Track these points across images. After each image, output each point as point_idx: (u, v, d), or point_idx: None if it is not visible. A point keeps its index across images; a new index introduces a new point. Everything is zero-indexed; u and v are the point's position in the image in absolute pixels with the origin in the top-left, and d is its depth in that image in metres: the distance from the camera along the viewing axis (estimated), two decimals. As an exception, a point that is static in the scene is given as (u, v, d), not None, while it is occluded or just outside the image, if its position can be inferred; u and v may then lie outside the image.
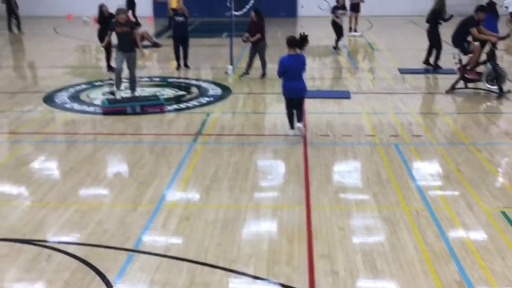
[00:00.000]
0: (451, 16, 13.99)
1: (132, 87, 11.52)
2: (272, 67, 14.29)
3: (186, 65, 14.63)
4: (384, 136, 9.21)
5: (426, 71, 13.92)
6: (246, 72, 13.35)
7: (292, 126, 9.08)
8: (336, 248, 5.68)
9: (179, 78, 13.76)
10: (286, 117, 9.17)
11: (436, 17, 13.78)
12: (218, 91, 12.31)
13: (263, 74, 13.32)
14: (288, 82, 8.85)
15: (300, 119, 8.95)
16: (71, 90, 12.47)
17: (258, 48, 13.07)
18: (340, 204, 6.78)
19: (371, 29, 21.74)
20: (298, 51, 8.82)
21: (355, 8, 19.87)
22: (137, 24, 16.22)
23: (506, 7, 19.67)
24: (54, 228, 6.17)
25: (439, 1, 13.95)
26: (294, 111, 8.99)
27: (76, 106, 11.20)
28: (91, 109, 11.00)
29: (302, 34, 8.74)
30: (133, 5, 22.37)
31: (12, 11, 21.38)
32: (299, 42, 8.73)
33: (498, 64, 11.60)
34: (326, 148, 8.68)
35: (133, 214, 6.48)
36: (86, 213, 6.51)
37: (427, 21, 13.96)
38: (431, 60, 14.01)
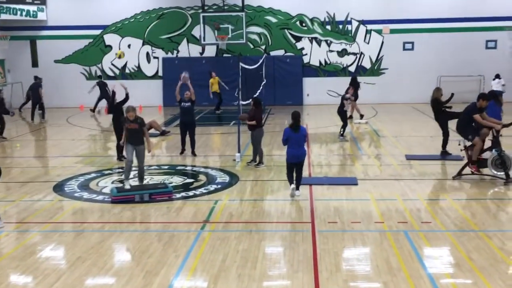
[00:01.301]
0: (452, 95, 14.32)
1: (141, 177, 11.62)
2: (280, 154, 14.52)
3: (193, 153, 14.81)
4: (393, 223, 9.16)
5: (432, 158, 14.01)
6: (261, 161, 13.43)
7: (291, 182, 10.73)
8: None
9: (187, 166, 13.92)
10: (287, 178, 10.77)
11: (436, 105, 14.07)
12: (226, 178, 12.41)
13: (258, 162, 13.32)
14: (290, 149, 10.53)
15: (298, 187, 10.71)
16: (81, 178, 12.61)
17: (252, 136, 13.27)
18: (350, 293, 6.65)
19: (376, 116, 22.12)
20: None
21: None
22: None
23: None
24: (60, 319, 6.06)
25: (434, 92, 14.32)
26: (294, 175, 10.66)
27: (85, 194, 11.29)
28: (100, 197, 11.08)
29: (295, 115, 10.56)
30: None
31: (38, 101, 22.47)
32: (295, 121, 10.52)
33: (503, 151, 11.70)
34: (335, 236, 8.62)
35: (140, 305, 6.37)
36: (92, 304, 6.41)
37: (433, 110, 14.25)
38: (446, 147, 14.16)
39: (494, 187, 11.46)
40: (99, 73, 26.47)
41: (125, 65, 26.77)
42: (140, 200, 10.62)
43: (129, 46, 26.66)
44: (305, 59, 26.26)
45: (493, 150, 11.73)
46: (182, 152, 14.95)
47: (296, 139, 10.49)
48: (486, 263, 7.42)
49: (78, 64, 26.90)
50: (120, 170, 13.21)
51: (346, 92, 17.53)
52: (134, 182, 11.82)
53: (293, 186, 10.71)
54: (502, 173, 11.62)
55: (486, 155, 11.93)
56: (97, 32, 26.72)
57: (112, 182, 12.22)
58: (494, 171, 11.79)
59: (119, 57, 18.05)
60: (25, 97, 24.06)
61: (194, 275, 7.25)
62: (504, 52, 25.34)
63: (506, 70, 25.16)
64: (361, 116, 20.52)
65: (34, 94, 22.50)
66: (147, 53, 26.73)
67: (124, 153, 13.17)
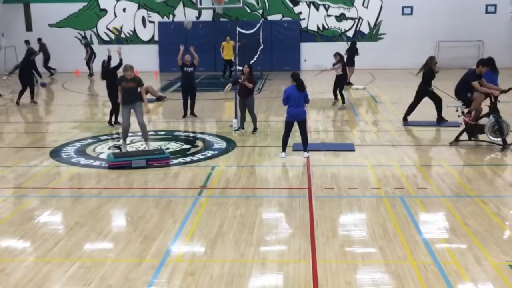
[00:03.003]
0: (436, 71, 14.31)
1: (145, 136, 11.76)
2: (276, 120, 14.48)
3: (192, 114, 15.31)
4: (389, 189, 9.20)
5: (429, 124, 14.00)
6: (241, 127, 13.49)
7: (284, 149, 11.10)
8: (343, 304, 5.59)
9: (185, 131, 13.89)
10: (282, 141, 11.08)
11: (429, 75, 14.01)
12: (223, 144, 12.40)
13: (254, 129, 13.33)
14: (290, 108, 10.81)
15: (306, 148, 11.10)
16: (77, 144, 12.58)
17: (248, 103, 13.21)
18: (346, 258, 6.71)
19: (373, 82, 22.02)
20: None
21: (350, 62, 20.21)
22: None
23: None
24: (58, 284, 6.11)
25: (428, 61, 14.19)
26: (299, 137, 11.14)
27: (82, 160, 11.28)
28: (97, 163, 11.07)
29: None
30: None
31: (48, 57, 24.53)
32: (299, 81, 10.84)
33: (501, 117, 11.68)
34: (332, 201, 8.66)
35: (138, 270, 6.43)
36: (90, 268, 6.47)
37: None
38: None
39: (491, 153, 11.49)
40: (93, 37, 26.20)
41: (120, 29, 26.44)
42: (137, 166, 10.62)
43: (124, 10, 26.29)
44: (303, 24, 25.98)
45: (491, 116, 11.71)
46: (184, 116, 15.20)
47: (297, 98, 10.75)
48: (481, 229, 7.48)
49: (73, 28, 26.54)
50: (117, 136, 13.18)
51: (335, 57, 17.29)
52: (131, 148, 11.81)
53: (283, 154, 11.10)
54: (499, 139, 11.63)
55: (484, 121, 11.91)
56: (92, -5, 26.32)
57: (109, 148, 12.20)
58: (491, 137, 11.80)
59: (114, 33, 17.83)
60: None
61: (191, 240, 7.29)
62: (504, 17, 25.07)
63: (505, 35, 24.98)
64: (349, 84, 20.23)
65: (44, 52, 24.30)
66: (143, 17, 26.36)
67: (119, 119, 13.16)
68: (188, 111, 15.27)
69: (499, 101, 11.83)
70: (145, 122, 12.03)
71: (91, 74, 24.47)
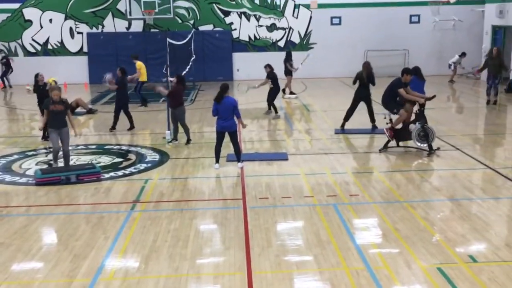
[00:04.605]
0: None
1: (66, 162, 11.15)
2: (210, 131, 14.44)
3: (132, 127, 15.14)
4: (322, 197, 9.34)
5: (360, 131, 14.33)
6: (175, 138, 13.41)
7: (217, 160, 11.14)
8: (279, 314, 5.60)
9: (117, 144, 13.60)
10: (214, 152, 11.09)
11: (363, 80, 14.33)
12: (156, 156, 12.23)
13: (188, 140, 13.27)
14: (219, 119, 10.94)
15: (239, 158, 11.15)
16: (3, 160, 12.06)
17: (176, 114, 13.20)
18: (281, 268, 6.74)
19: (305, 91, 22.37)
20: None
21: (287, 72, 20.51)
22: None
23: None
24: (-18, 309, 5.82)
25: (365, 67, 14.59)
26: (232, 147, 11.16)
27: (7, 177, 10.82)
28: (24, 180, 10.65)
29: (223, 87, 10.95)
30: None
31: None
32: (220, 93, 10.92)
33: (426, 123, 12.12)
34: (266, 211, 8.70)
35: (68, 290, 6.21)
36: (17, 291, 6.19)
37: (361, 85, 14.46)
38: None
39: (418, 159, 11.89)
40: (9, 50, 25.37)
41: (47, 41, 25.67)
42: (67, 182, 10.29)
43: (50, 21, 25.54)
44: (235, 34, 26.10)
45: (417, 123, 12.14)
46: (112, 129, 14.93)
47: (225, 110, 10.84)
48: (410, 233, 7.71)
49: (-3, 39, 25.55)
50: (45, 151, 12.75)
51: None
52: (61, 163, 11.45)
53: (217, 165, 11.11)
54: (426, 145, 12.06)
55: (411, 127, 12.32)
56: (16, 5, 25.40)
57: (37, 164, 11.77)
58: (418, 143, 12.22)
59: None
60: None
61: (124, 257, 7.13)
62: (427, 27, 26.10)
63: (429, 44, 26.01)
64: (283, 91, 20.43)
65: None
66: (70, 28, 25.70)
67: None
68: (116, 126, 14.99)
69: (424, 109, 12.23)
70: (75, 138, 11.67)
71: (5, 86, 23.89)
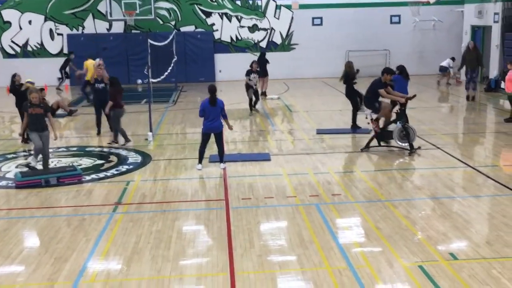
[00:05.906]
0: (357, 71, 14.77)
1: (45, 165, 11.03)
2: (193, 132, 14.39)
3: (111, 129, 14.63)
4: (305, 197, 9.36)
5: (342, 131, 14.39)
6: (115, 141, 13.49)
7: (200, 161, 11.13)
8: (262, 314, 5.60)
9: (98, 147, 13.50)
10: (198, 153, 11.10)
11: (348, 80, 14.46)
12: (138, 158, 12.16)
13: (114, 141, 13.43)
14: (206, 121, 10.89)
15: (222, 159, 11.14)
16: (-18, 163, 11.92)
17: (111, 116, 13.43)
18: (264, 268, 6.75)
19: (287, 91, 22.41)
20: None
21: (262, 72, 20.47)
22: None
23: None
24: (-39, 315, 5.73)
25: (347, 65, 14.75)
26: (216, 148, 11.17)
27: (-13, 180, 10.69)
28: (3, 183, 10.52)
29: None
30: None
31: None
32: (212, 95, 10.85)
33: (407, 123, 12.22)
34: (249, 212, 8.69)
35: (49, 294, 6.15)
36: (-3, 295, 6.12)
37: (344, 83, 14.59)
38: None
39: (399, 158, 11.97)
40: None
41: (26, 43, 25.41)
42: (47, 184, 10.19)
43: (29, 22, 25.29)
44: (216, 35, 26.06)
45: (398, 123, 12.23)
46: (98, 133, 14.62)
47: (212, 111, 10.81)
48: (392, 232, 7.76)
49: (-25, 41, 25.23)
50: (25, 153, 12.61)
51: (251, 66, 17.51)
52: (41, 166, 11.33)
53: (200, 166, 11.11)
54: (407, 144, 12.16)
55: (392, 127, 12.41)
56: (-5, 7, 25.15)
57: (17, 166, 11.64)
58: (399, 143, 12.31)
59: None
60: None
61: (106, 259, 7.08)
62: (407, 27, 26.31)
63: (409, 44, 26.22)
64: (263, 94, 20.46)
65: None
66: (50, 30, 25.46)
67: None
68: (102, 129, 14.74)
69: (405, 108, 12.32)
70: (57, 139, 11.57)
71: None
